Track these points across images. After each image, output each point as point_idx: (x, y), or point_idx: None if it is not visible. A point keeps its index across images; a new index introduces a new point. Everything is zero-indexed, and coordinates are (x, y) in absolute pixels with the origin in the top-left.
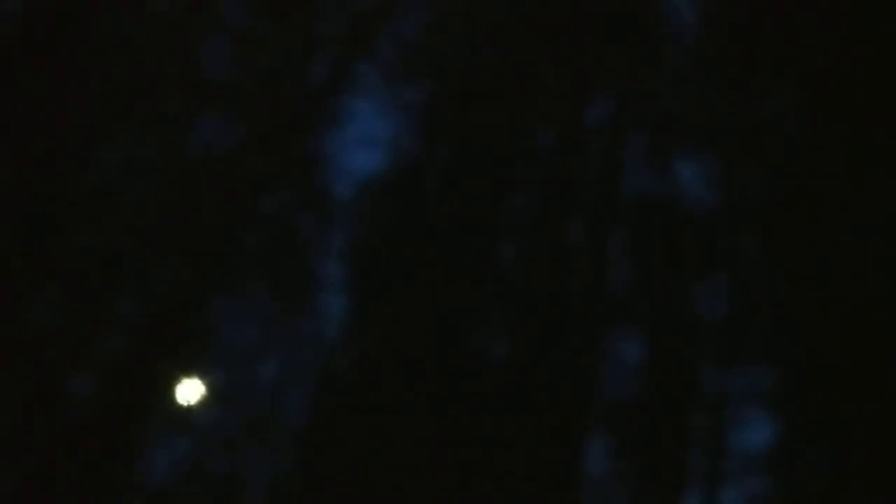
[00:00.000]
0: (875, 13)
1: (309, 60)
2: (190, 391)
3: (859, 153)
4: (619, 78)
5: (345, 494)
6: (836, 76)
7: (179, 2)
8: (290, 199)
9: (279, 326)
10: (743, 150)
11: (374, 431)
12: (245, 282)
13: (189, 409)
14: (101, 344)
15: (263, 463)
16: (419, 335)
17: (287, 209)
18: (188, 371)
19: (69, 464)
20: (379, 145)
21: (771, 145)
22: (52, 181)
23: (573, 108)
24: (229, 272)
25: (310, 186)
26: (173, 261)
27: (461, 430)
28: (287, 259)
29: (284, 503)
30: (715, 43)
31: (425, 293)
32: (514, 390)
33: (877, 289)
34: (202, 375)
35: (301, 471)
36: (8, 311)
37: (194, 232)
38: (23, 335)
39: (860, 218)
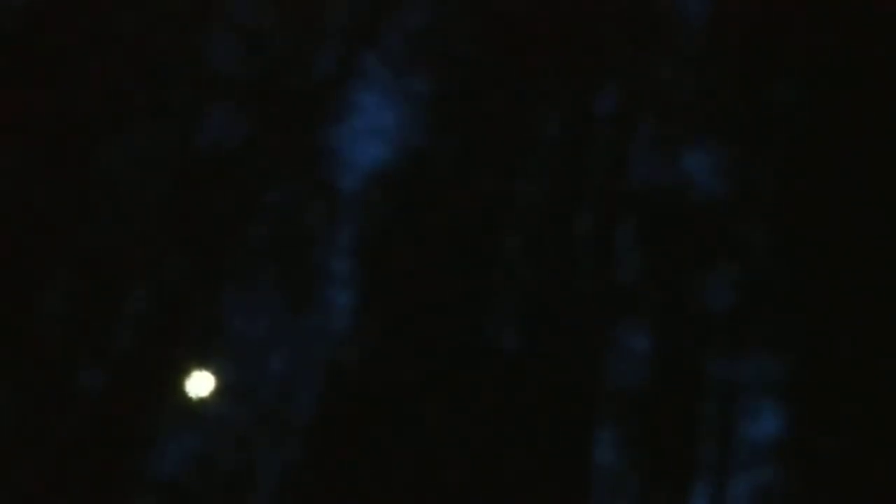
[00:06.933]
0: (885, 3)
1: (315, 53)
2: (200, 384)
3: (868, 143)
4: (627, 67)
5: (354, 485)
6: (845, 66)
7: None
8: (297, 191)
9: (287, 319)
10: (751, 139)
11: (382, 422)
12: (253, 275)
13: (199, 401)
14: (112, 337)
15: (273, 453)
16: (427, 326)
17: (294, 202)
18: (198, 364)
19: (81, 456)
20: (386, 137)
21: (779, 135)
22: (60, 174)
23: (581, 98)
24: (237, 265)
25: (317, 179)
26: (182, 254)
27: (469, 421)
28: (295, 252)
29: (294, 493)
30: (724, 32)
31: (432, 284)
32: (522, 380)
33: (885, 279)
34: (212, 368)
35: (310, 461)
36: (19, 306)
37: (202, 225)
38: (34, 329)
39: (869, 208)
